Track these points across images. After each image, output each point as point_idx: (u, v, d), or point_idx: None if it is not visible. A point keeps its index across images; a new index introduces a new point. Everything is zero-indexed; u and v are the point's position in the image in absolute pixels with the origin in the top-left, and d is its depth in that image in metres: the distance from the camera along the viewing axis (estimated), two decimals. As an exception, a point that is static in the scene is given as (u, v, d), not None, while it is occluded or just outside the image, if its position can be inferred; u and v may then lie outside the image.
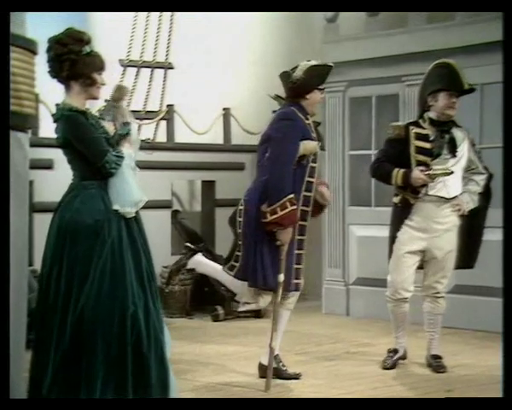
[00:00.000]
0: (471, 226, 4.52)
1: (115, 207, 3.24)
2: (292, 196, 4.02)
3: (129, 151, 3.30)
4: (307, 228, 4.21)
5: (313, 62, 4.22)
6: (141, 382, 3.18)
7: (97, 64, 3.31)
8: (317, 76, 4.19)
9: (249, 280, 4.10)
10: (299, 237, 4.17)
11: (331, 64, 4.28)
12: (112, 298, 3.17)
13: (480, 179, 4.54)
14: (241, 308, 4.42)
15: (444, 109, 4.44)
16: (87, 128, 3.24)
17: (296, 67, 4.19)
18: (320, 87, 4.21)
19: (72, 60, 3.24)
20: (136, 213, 3.33)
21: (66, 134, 3.26)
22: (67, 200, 3.30)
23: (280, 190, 4.00)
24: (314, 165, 4.17)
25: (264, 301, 4.21)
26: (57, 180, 5.74)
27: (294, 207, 4.02)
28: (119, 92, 3.39)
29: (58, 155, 5.72)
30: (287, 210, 3.99)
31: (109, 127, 3.34)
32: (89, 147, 3.24)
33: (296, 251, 4.16)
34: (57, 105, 3.34)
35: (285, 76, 4.21)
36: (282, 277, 4.06)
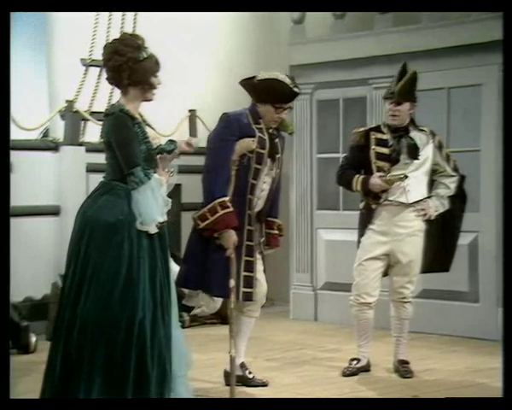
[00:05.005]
0: (447, 229, 4.52)
1: (137, 224, 3.22)
2: (223, 199, 3.89)
3: (161, 178, 3.29)
4: (256, 233, 4.08)
5: (279, 77, 4.00)
6: (140, 394, 3.14)
7: (154, 68, 3.32)
8: (271, 92, 3.96)
9: (182, 282, 3.98)
10: (248, 243, 4.01)
11: (296, 91, 4.02)
12: (122, 302, 3.15)
13: (450, 182, 4.53)
14: (194, 311, 4.36)
15: (386, 117, 4.47)
16: (129, 133, 3.24)
17: (263, 73, 4.08)
18: (276, 105, 3.97)
19: (131, 68, 3.25)
20: (163, 225, 3.29)
21: (109, 132, 3.27)
22: (93, 197, 3.30)
23: (209, 195, 3.90)
24: (258, 166, 4.00)
25: (212, 305, 4.12)
26: (16, 184, 5.61)
27: (227, 210, 3.88)
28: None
29: (17, 158, 5.66)
30: (217, 214, 3.86)
31: (154, 140, 3.34)
32: (122, 152, 3.23)
33: (245, 258, 4.00)
34: (113, 104, 3.36)
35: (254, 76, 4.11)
36: (232, 282, 3.90)
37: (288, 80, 4.04)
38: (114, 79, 3.31)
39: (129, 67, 3.25)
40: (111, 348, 3.13)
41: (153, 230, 3.24)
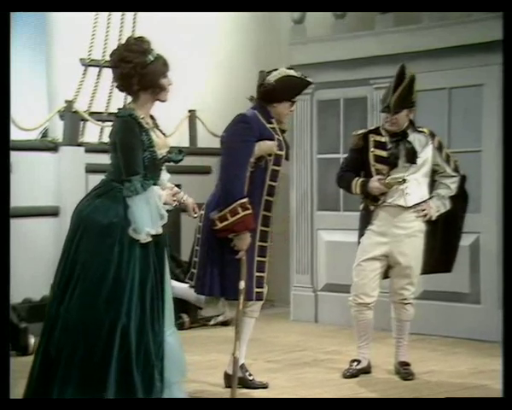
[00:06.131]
0: (449, 230, 4.50)
1: (129, 230, 3.19)
2: (244, 200, 3.86)
3: (160, 192, 3.25)
4: (270, 234, 4.06)
5: (290, 73, 4.08)
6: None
7: (162, 69, 3.29)
8: (289, 88, 4.05)
9: (207, 289, 3.96)
10: (261, 244, 4.00)
11: (309, 80, 4.15)
12: (106, 304, 3.11)
13: (451, 182, 4.51)
14: (212, 322, 4.28)
15: (383, 123, 4.48)
16: (133, 140, 3.21)
17: (273, 71, 4.07)
18: (292, 100, 4.07)
19: (140, 73, 3.22)
20: (161, 235, 3.25)
21: (115, 134, 3.25)
22: (91, 196, 3.28)
23: (229, 196, 3.85)
24: (276, 168, 4.02)
25: (231, 310, 4.07)
26: (15, 184, 5.59)
27: (248, 211, 3.85)
28: None
29: (16, 159, 5.63)
30: (238, 216, 3.82)
31: (162, 148, 3.30)
32: (124, 157, 3.21)
33: (258, 258, 4.00)
34: (124, 106, 3.35)
35: (260, 76, 4.09)
36: (242, 284, 3.90)
37: (295, 72, 4.12)
38: (124, 87, 3.29)
39: (137, 72, 3.21)
40: (90, 350, 3.09)
41: (143, 239, 3.20)
